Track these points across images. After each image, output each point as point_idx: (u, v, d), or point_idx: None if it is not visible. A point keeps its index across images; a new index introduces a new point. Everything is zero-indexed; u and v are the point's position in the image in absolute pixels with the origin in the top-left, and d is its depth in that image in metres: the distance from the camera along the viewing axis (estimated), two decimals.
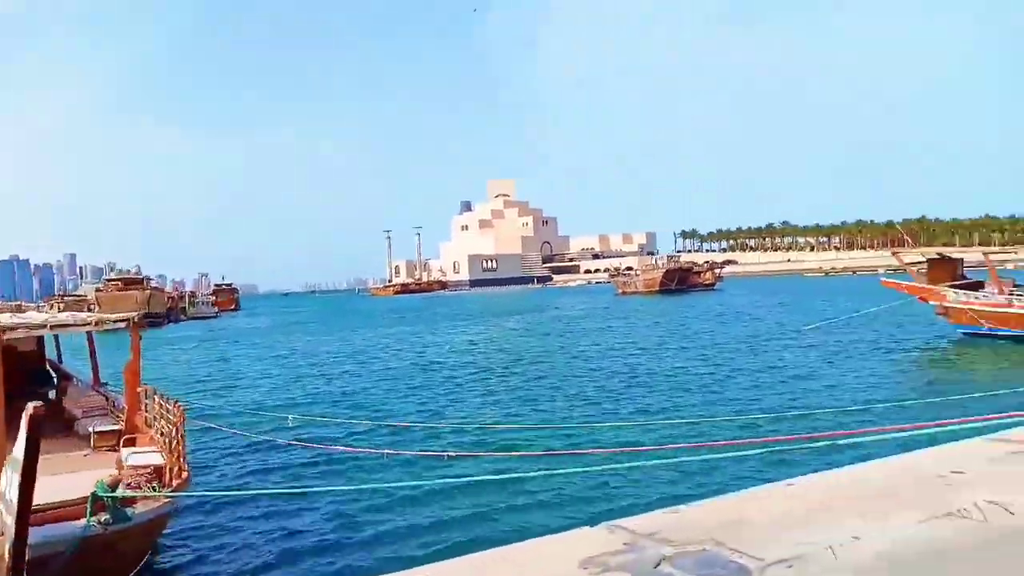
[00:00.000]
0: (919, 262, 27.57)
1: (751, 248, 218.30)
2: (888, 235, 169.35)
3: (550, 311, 65.04)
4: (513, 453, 9.94)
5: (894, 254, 28.57)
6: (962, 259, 27.99)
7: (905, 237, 53.71)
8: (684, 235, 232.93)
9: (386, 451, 8.56)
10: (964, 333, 24.97)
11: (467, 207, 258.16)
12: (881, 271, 71.38)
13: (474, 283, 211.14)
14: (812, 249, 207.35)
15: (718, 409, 14.62)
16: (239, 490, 9.49)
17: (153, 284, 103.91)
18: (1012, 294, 23.92)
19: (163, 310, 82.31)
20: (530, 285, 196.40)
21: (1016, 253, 46.00)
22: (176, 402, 10.96)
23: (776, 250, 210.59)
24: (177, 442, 8.65)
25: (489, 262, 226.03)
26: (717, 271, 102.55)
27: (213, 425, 13.04)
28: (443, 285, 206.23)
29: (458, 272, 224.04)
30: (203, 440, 13.78)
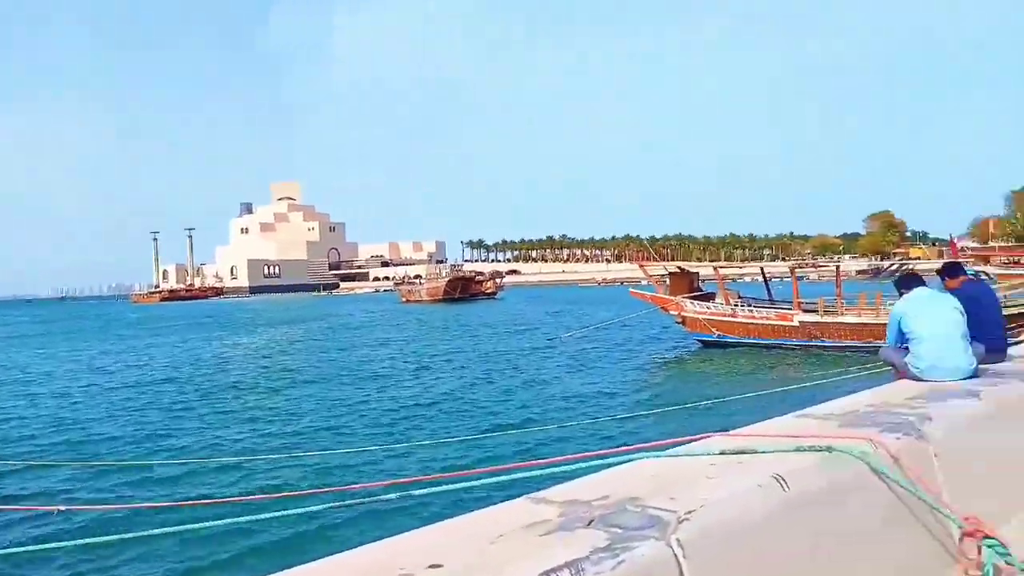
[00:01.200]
0: (662, 275, 29.79)
1: (533, 259, 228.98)
2: (652, 249, 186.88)
3: (328, 319, 62.53)
4: (203, 501, 8.55)
5: (641, 267, 30.73)
6: (699, 272, 30.76)
7: (650, 251, 58.81)
8: (471, 245, 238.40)
9: (57, 507, 6.80)
10: (699, 340, 27.30)
11: (247, 209, 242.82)
12: (644, 282, 77.64)
13: (254, 290, 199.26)
14: (587, 261, 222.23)
15: (452, 428, 14.20)
16: None
17: None
18: (737, 305, 26.57)
19: None
20: (316, 293, 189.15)
21: (742, 268, 52.05)
22: None
23: (556, 261, 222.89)
24: None
25: (272, 268, 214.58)
26: (499, 280, 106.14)
27: None
28: (219, 292, 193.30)
29: (236, 278, 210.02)
30: None
